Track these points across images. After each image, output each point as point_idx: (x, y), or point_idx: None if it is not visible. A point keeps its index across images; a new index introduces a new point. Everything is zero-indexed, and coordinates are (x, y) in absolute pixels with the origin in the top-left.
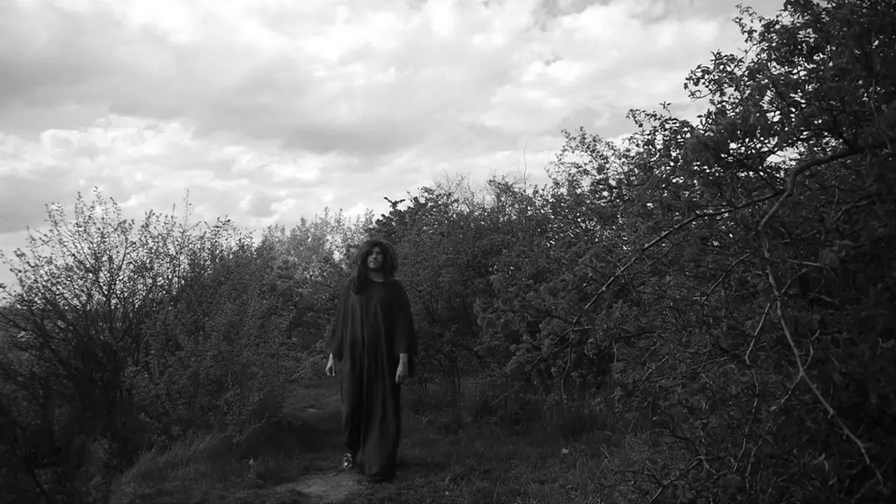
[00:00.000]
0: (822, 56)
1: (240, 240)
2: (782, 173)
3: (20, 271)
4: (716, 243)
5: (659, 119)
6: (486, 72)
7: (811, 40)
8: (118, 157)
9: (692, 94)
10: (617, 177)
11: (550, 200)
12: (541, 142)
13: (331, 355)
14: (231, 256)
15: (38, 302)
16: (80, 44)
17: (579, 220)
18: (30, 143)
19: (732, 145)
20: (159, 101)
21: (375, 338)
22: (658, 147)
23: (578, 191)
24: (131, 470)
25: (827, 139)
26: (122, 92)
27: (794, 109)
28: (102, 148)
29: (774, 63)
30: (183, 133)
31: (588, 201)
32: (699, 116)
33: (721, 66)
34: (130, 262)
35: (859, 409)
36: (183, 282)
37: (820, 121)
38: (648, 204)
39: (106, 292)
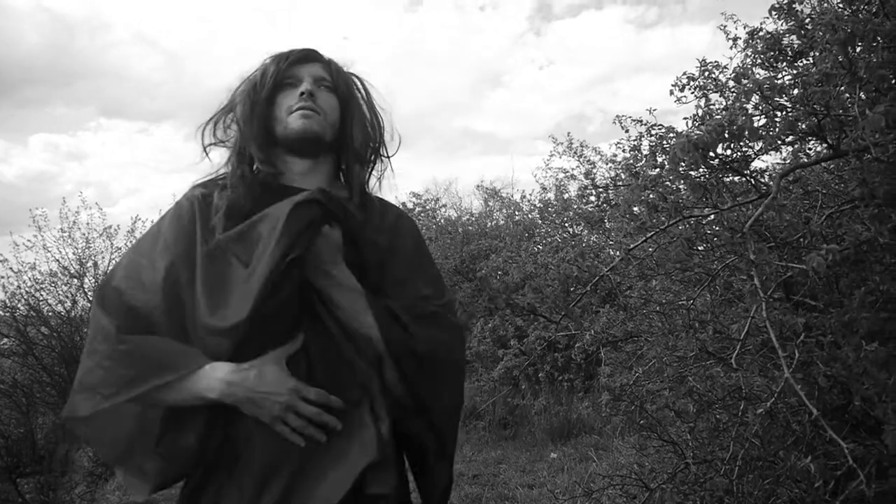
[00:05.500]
0: (805, 61)
1: None
2: (767, 177)
3: (3, 277)
4: (701, 247)
5: (645, 125)
6: (480, 76)
7: (795, 46)
8: (107, 161)
9: (678, 99)
10: (604, 181)
11: (538, 205)
12: (533, 146)
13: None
14: None
15: (22, 308)
16: (70, 46)
17: (566, 224)
18: (17, 146)
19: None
20: (149, 104)
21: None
22: (644, 153)
23: (566, 195)
24: (116, 478)
25: (811, 144)
26: (112, 95)
27: (779, 113)
28: (91, 152)
29: (759, 69)
30: (173, 136)
31: (575, 206)
32: (685, 119)
33: (706, 73)
34: None
35: (844, 411)
36: None
37: (804, 125)
38: (635, 208)
39: (91, 298)
